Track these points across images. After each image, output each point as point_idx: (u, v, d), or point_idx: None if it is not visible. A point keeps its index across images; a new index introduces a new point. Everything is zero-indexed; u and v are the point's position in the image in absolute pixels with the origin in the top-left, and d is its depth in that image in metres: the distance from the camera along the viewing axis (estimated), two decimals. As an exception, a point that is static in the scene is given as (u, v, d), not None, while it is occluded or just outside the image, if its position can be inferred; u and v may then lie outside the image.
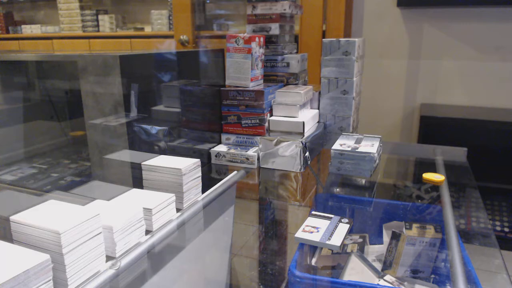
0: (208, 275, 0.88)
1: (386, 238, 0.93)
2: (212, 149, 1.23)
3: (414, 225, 0.91)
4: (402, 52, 2.43)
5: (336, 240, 0.79)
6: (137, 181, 0.81)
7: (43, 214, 0.55)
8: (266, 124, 1.24)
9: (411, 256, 0.89)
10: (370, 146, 1.13)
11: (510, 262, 0.79)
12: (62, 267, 0.52)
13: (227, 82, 1.27)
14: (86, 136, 1.00)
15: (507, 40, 2.20)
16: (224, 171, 1.19)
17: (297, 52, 1.49)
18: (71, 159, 1.33)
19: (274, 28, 1.34)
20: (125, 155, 0.98)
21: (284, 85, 1.37)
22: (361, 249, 0.99)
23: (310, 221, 0.86)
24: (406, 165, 1.47)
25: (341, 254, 0.95)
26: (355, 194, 1.12)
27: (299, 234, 0.81)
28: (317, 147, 1.30)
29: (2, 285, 0.43)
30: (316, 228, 0.83)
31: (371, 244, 1.04)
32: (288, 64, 1.37)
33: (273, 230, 1.19)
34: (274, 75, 1.40)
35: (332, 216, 0.88)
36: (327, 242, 0.79)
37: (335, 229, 0.83)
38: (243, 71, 1.24)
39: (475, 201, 1.11)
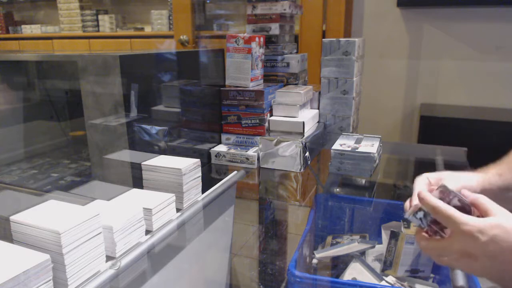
0: (208, 275, 0.88)
1: (385, 238, 0.93)
2: (212, 149, 1.23)
3: (412, 224, 0.90)
4: (402, 52, 2.43)
5: None
6: (137, 181, 0.81)
7: (43, 214, 0.55)
8: (266, 124, 1.24)
9: (410, 255, 0.89)
10: (370, 146, 1.13)
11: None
12: (62, 267, 0.52)
13: (227, 82, 1.27)
14: (86, 136, 1.00)
15: (507, 40, 2.20)
16: (224, 171, 1.19)
17: (297, 52, 1.49)
18: (71, 159, 1.33)
19: (274, 28, 1.34)
20: (125, 155, 0.98)
21: (284, 85, 1.38)
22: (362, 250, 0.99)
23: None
24: (406, 165, 1.47)
25: (341, 256, 0.95)
26: (355, 194, 1.12)
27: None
28: (317, 147, 1.30)
29: (2, 285, 0.43)
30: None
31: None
32: (288, 64, 1.37)
33: (273, 230, 1.19)
34: (274, 75, 1.40)
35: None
36: None
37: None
38: (243, 71, 1.24)
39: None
